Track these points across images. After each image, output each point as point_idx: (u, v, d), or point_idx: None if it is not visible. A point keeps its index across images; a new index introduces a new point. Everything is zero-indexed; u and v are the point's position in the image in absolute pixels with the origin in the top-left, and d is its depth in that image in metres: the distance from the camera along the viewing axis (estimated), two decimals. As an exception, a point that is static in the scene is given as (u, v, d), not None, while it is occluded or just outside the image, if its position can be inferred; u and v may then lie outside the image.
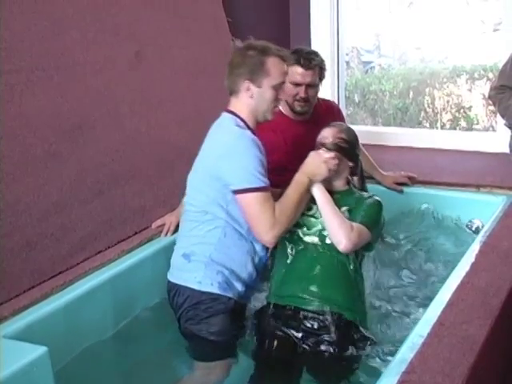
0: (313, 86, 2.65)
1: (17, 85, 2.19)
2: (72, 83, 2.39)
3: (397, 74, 6.10)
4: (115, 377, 2.20)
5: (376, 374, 1.81)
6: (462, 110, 5.53)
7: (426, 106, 5.62)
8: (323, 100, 2.87)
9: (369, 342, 2.03)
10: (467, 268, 2.09)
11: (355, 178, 2.32)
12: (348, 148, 2.24)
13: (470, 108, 5.49)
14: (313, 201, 2.14)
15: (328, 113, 2.77)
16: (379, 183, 2.93)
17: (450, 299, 1.89)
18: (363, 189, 2.39)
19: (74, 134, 2.38)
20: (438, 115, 5.57)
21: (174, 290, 2.13)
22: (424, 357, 1.61)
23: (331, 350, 1.99)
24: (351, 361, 2.00)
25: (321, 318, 2.02)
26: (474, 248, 2.27)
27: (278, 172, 2.27)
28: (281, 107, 2.66)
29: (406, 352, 1.64)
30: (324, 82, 2.74)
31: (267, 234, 2.00)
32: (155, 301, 2.41)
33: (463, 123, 5.47)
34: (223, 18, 3.23)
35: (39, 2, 2.30)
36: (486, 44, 5.52)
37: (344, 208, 2.15)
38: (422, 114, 5.62)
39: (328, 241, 2.10)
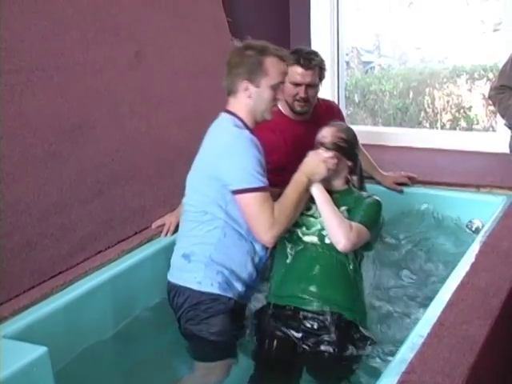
0: (313, 86, 2.65)
1: (17, 85, 2.19)
2: (72, 83, 2.39)
3: (397, 74, 6.10)
4: (115, 377, 2.20)
5: (376, 374, 1.81)
6: (461, 110, 5.53)
7: (426, 106, 5.62)
8: (323, 100, 2.87)
9: (369, 342, 2.03)
10: (467, 268, 2.09)
11: (354, 178, 2.31)
12: (347, 147, 2.24)
13: (469, 108, 5.49)
14: (312, 200, 2.14)
15: (328, 113, 2.77)
16: (379, 183, 2.93)
17: (449, 299, 1.89)
18: (362, 188, 2.38)
19: (74, 134, 2.38)
20: (438, 115, 5.57)
21: (173, 290, 2.13)
22: (424, 357, 1.61)
23: (331, 350, 1.99)
24: (351, 361, 2.01)
25: (321, 318, 2.02)
26: (474, 248, 2.27)
27: (278, 172, 2.27)
28: (280, 107, 2.66)
29: (406, 352, 1.64)
30: (324, 82, 2.74)
31: (266, 234, 2.00)
32: (155, 301, 2.41)
33: (463, 123, 5.47)
34: (223, 18, 3.23)
35: (39, 2, 2.30)
36: (486, 44, 5.52)
37: (343, 207, 2.15)
38: (422, 114, 5.62)
39: (327, 240, 2.10)
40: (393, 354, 1.79)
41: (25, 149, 2.20)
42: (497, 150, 3.31)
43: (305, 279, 2.08)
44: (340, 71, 3.88)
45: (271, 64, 2.06)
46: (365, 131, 3.64)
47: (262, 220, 1.98)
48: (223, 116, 2.12)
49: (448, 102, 5.56)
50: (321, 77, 2.68)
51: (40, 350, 1.77)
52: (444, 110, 5.55)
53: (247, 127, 2.08)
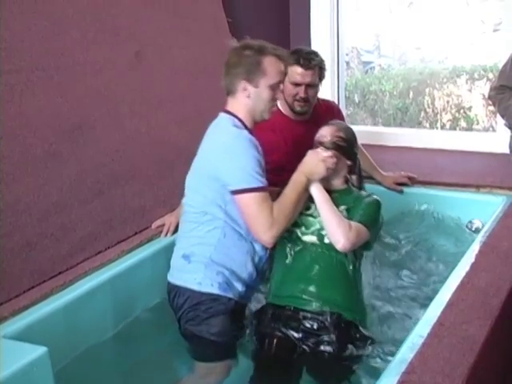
0: (312, 86, 2.65)
1: (17, 85, 2.19)
2: (72, 83, 2.40)
3: (397, 74, 6.11)
4: (115, 377, 2.20)
5: (376, 374, 1.81)
6: (461, 111, 5.53)
7: (425, 106, 5.63)
8: (323, 100, 2.87)
9: (369, 342, 2.03)
10: (467, 268, 2.09)
11: (354, 177, 2.31)
12: (346, 146, 2.23)
13: (469, 108, 5.50)
14: (311, 200, 2.14)
15: (328, 113, 2.77)
16: (379, 183, 2.93)
17: (450, 299, 1.89)
18: (361, 188, 2.38)
19: (74, 134, 2.38)
20: (438, 115, 5.58)
21: (174, 291, 2.13)
22: (424, 357, 1.61)
23: (331, 350, 1.99)
24: (351, 361, 2.00)
25: (320, 318, 2.02)
26: (474, 248, 2.27)
27: (278, 172, 2.27)
28: (280, 107, 2.67)
29: (406, 352, 1.64)
30: (324, 82, 2.74)
31: (265, 234, 1.99)
32: (155, 301, 2.41)
33: (463, 123, 5.48)
34: (223, 18, 3.23)
35: (39, 2, 2.30)
36: (485, 44, 5.53)
37: (342, 207, 2.14)
38: (422, 114, 5.63)
39: (326, 240, 2.10)
40: (393, 354, 1.79)
41: (25, 149, 2.20)
42: (497, 150, 3.32)
43: (304, 279, 2.08)
44: (340, 71, 3.88)
45: (269, 64, 2.06)
46: (365, 131, 3.65)
47: (261, 220, 1.98)
48: (222, 116, 2.12)
49: (448, 102, 5.56)
50: (321, 77, 2.68)
51: (40, 350, 1.77)
52: (444, 110, 5.56)
53: (246, 127, 2.08)
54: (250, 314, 2.20)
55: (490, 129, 5.01)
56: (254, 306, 2.25)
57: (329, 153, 2.15)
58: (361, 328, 2.05)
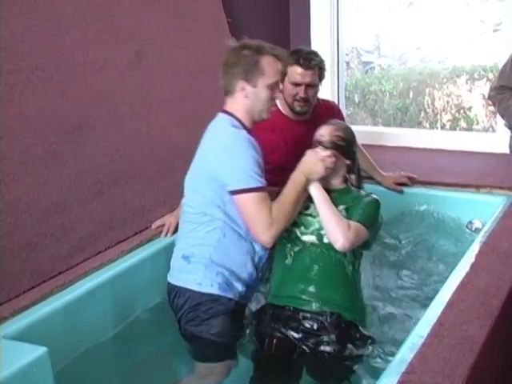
0: (312, 86, 2.64)
1: (17, 85, 2.19)
2: (72, 83, 2.40)
3: (397, 74, 6.11)
4: (115, 378, 2.20)
5: (376, 374, 1.82)
6: (461, 111, 5.53)
7: (425, 106, 5.63)
8: (323, 100, 2.87)
9: (369, 342, 2.03)
10: (467, 268, 2.09)
11: (353, 177, 2.31)
12: (345, 146, 2.23)
13: (469, 108, 5.50)
14: (310, 199, 2.14)
15: (328, 113, 2.76)
16: (379, 184, 2.93)
17: (450, 299, 1.89)
18: (360, 187, 2.38)
19: (74, 134, 2.38)
20: (438, 115, 5.58)
21: (174, 291, 2.12)
22: (424, 357, 1.61)
23: (331, 350, 1.99)
24: (351, 361, 2.00)
25: (320, 318, 2.02)
26: (474, 248, 2.27)
27: (278, 172, 2.27)
28: (280, 107, 2.67)
29: (406, 352, 1.64)
30: (324, 82, 2.74)
31: (264, 234, 1.99)
32: (155, 301, 2.41)
33: (463, 124, 5.48)
34: (223, 18, 3.23)
35: (39, 2, 2.30)
36: (485, 44, 5.53)
37: (341, 206, 2.14)
38: (422, 114, 5.63)
39: (326, 240, 2.10)
40: (393, 354, 1.79)
41: (25, 149, 2.20)
42: (497, 151, 3.32)
43: (304, 280, 2.08)
44: (340, 71, 3.88)
45: (267, 63, 2.05)
46: (365, 131, 3.65)
47: (260, 220, 1.98)
48: (220, 116, 2.12)
49: (448, 102, 5.56)
50: (321, 77, 2.68)
51: (40, 351, 1.77)
52: (444, 110, 5.56)
53: (245, 127, 2.08)
54: (249, 314, 2.20)
55: (490, 129, 5.00)
56: (253, 306, 2.25)
57: (327, 152, 2.15)
58: (360, 328, 2.05)
